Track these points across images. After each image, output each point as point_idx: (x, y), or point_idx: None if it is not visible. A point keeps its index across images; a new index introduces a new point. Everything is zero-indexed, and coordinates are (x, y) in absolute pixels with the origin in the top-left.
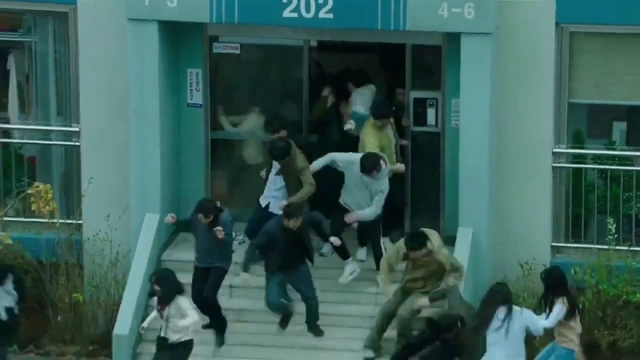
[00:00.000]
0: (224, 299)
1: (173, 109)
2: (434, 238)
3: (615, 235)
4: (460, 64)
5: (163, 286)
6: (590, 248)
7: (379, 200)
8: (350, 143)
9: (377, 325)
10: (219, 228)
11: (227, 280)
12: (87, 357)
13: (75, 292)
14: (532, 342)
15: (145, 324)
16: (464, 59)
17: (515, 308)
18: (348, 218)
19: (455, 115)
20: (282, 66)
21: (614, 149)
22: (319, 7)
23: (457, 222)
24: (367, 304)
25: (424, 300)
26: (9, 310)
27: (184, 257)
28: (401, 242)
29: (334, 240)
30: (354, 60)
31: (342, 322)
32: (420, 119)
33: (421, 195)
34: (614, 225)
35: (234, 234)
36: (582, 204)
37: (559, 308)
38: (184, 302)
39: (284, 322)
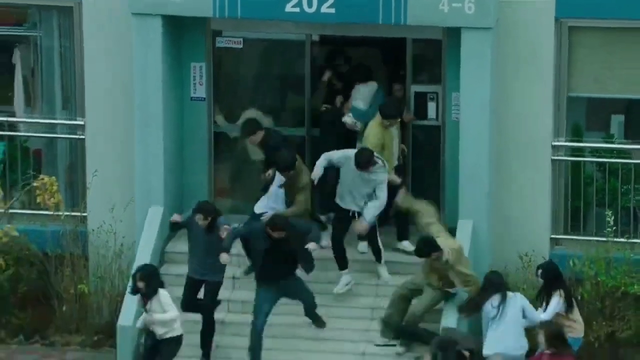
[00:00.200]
0: (226, 292)
1: (176, 102)
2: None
3: (614, 228)
4: (461, 59)
5: (147, 282)
6: (589, 240)
7: (382, 190)
8: (351, 138)
9: (393, 311)
10: (226, 226)
11: (229, 272)
12: (92, 348)
13: (80, 283)
14: (531, 333)
15: (139, 325)
16: (464, 53)
17: (509, 294)
18: (360, 227)
19: (455, 109)
20: (284, 60)
21: (612, 142)
22: (320, 2)
23: (457, 214)
24: (368, 295)
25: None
26: None
27: (187, 249)
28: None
29: (311, 246)
30: (355, 55)
31: (343, 313)
32: (421, 113)
33: (422, 187)
34: (613, 218)
35: (235, 225)
36: (581, 197)
37: (556, 300)
38: (165, 297)
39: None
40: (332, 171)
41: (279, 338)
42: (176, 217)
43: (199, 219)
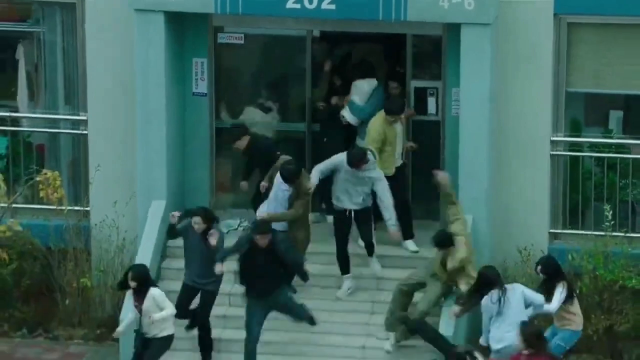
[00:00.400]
0: (227, 286)
1: (178, 97)
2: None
3: (612, 222)
4: (460, 54)
5: (139, 282)
6: (588, 234)
7: (383, 186)
8: (351, 132)
9: (395, 306)
10: (213, 231)
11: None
12: (95, 341)
13: (82, 277)
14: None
15: (120, 329)
16: (464, 49)
17: (507, 286)
18: (395, 235)
19: (455, 104)
20: (285, 56)
21: (610, 137)
22: None
23: None
24: (368, 289)
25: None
26: None
27: None
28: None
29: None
30: (355, 51)
31: (343, 307)
32: (421, 108)
33: (422, 182)
34: (611, 212)
35: (239, 220)
36: (580, 191)
37: (560, 291)
38: (160, 296)
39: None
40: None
41: (279, 331)
42: (175, 215)
43: (197, 222)
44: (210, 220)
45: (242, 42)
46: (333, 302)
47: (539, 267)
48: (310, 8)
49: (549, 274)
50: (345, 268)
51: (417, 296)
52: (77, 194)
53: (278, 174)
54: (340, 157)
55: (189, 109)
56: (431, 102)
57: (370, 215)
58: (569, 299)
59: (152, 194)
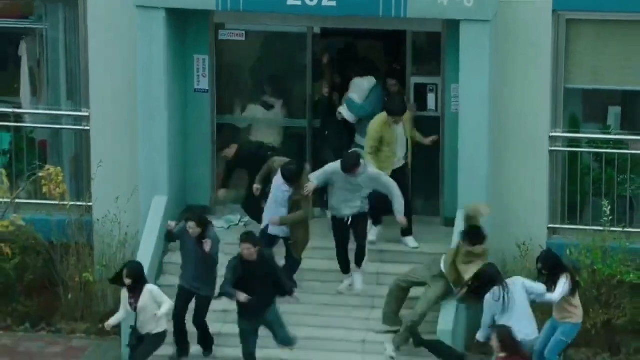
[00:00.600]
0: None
1: (180, 94)
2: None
3: (610, 217)
4: (460, 51)
5: (134, 278)
6: (586, 229)
7: (387, 181)
8: (351, 130)
9: (391, 300)
10: (207, 240)
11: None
12: (97, 335)
13: (85, 271)
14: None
15: (111, 322)
16: (463, 45)
17: (508, 281)
18: (403, 220)
19: (454, 100)
20: (286, 53)
21: (609, 133)
22: None
23: (456, 203)
24: (369, 284)
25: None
26: None
27: None
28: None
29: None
30: (355, 48)
31: (344, 301)
32: (421, 104)
33: (422, 177)
34: (609, 207)
35: (239, 216)
36: (578, 187)
37: (564, 282)
38: (157, 291)
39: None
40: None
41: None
42: (171, 224)
43: (191, 227)
44: (204, 224)
45: (243, 38)
46: (334, 297)
47: (540, 264)
48: (311, 5)
49: (550, 268)
50: (346, 269)
51: (416, 291)
52: (80, 190)
53: (276, 177)
54: (334, 165)
55: (191, 105)
56: (431, 98)
57: (366, 220)
58: (572, 291)
59: (154, 190)
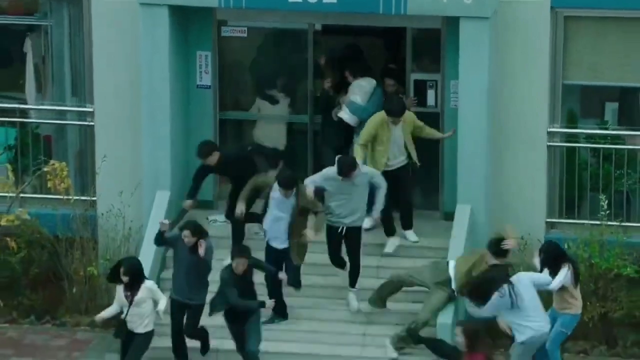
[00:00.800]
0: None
1: (183, 90)
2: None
3: (607, 211)
4: (459, 47)
5: (132, 275)
6: (583, 224)
7: (380, 179)
8: (347, 126)
9: (386, 289)
10: (202, 242)
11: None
12: (101, 328)
13: (89, 265)
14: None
15: (104, 315)
16: (463, 42)
17: (513, 279)
18: (376, 218)
19: (454, 97)
20: (288, 49)
21: (606, 129)
22: None
23: (455, 198)
24: (369, 277)
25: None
26: None
27: None
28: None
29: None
30: (355, 45)
31: (344, 294)
32: (420, 100)
33: (422, 172)
34: (606, 202)
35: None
36: (576, 182)
37: (564, 272)
38: (154, 286)
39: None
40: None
41: (279, 324)
42: (164, 222)
43: (186, 235)
44: (199, 233)
45: (245, 35)
46: (334, 291)
47: (542, 255)
48: (312, 2)
49: (552, 259)
50: (341, 266)
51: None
52: (84, 184)
53: (273, 192)
54: (331, 170)
55: (193, 101)
56: (430, 94)
57: (359, 234)
58: (576, 281)
59: (157, 184)
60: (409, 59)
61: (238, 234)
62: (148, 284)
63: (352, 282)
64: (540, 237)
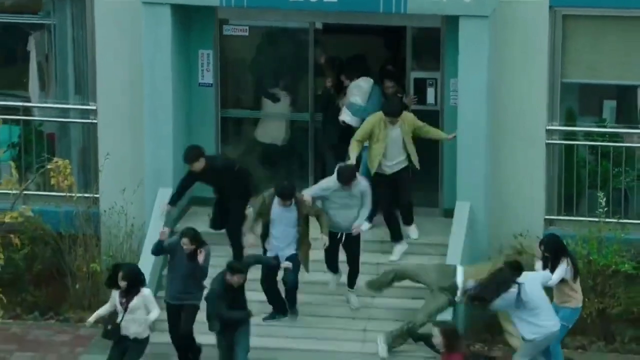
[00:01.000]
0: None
1: (185, 88)
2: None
3: (605, 209)
4: (459, 46)
5: (130, 281)
6: (582, 220)
7: (367, 199)
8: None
9: (388, 278)
10: (202, 250)
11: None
12: (103, 324)
13: (92, 262)
14: None
15: (91, 319)
16: (462, 41)
17: (520, 279)
18: (356, 229)
19: (453, 95)
20: (289, 47)
21: (604, 127)
22: None
23: (455, 196)
24: (369, 273)
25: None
26: None
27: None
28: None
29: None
30: (357, 43)
31: (345, 290)
32: (420, 98)
33: (421, 170)
34: (604, 199)
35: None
36: (574, 179)
37: (563, 267)
38: (151, 296)
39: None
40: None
41: (280, 325)
42: (165, 231)
43: (185, 243)
44: (198, 241)
45: (247, 34)
46: (335, 287)
47: (543, 247)
48: (313, 1)
49: (552, 252)
50: (334, 272)
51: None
52: (87, 182)
53: (274, 205)
54: (330, 180)
55: (195, 99)
56: (430, 92)
57: (359, 241)
58: (576, 275)
59: (160, 182)
60: (409, 58)
61: (236, 245)
62: (145, 292)
63: (351, 283)
64: (539, 233)
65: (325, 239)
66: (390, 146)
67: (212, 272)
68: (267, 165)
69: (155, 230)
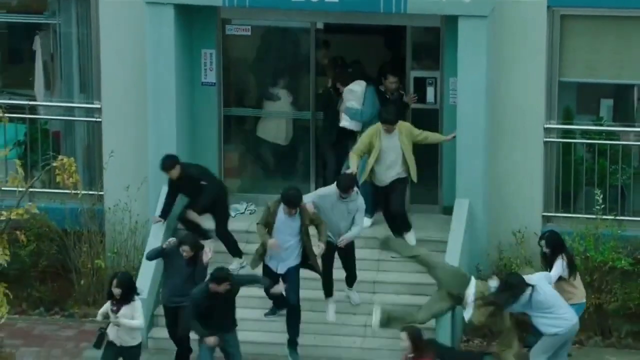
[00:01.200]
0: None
1: (188, 87)
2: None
3: (602, 206)
4: (458, 45)
5: (123, 289)
6: (579, 217)
7: (360, 217)
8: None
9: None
10: (207, 250)
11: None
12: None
13: (97, 258)
14: None
15: (103, 310)
16: (461, 40)
17: (532, 281)
18: (341, 243)
19: (453, 93)
20: (290, 46)
21: (601, 125)
22: None
23: (454, 193)
24: (370, 270)
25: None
26: None
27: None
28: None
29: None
30: (357, 42)
31: (344, 288)
32: (420, 97)
33: (421, 168)
34: (601, 196)
35: (245, 204)
36: (572, 176)
37: (559, 264)
38: (139, 306)
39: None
40: None
41: (279, 322)
42: (171, 240)
43: (185, 250)
44: (198, 248)
45: (249, 33)
46: (335, 283)
47: (543, 242)
48: (314, 1)
49: (551, 248)
50: (329, 291)
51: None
52: (92, 179)
53: (279, 213)
54: (329, 188)
55: (198, 98)
56: (430, 91)
57: (354, 249)
58: (571, 272)
59: (163, 179)
60: (409, 57)
61: (230, 243)
62: (137, 303)
63: (350, 283)
64: (537, 230)
65: (322, 247)
66: (386, 155)
67: (210, 268)
68: (268, 163)
69: (158, 229)
